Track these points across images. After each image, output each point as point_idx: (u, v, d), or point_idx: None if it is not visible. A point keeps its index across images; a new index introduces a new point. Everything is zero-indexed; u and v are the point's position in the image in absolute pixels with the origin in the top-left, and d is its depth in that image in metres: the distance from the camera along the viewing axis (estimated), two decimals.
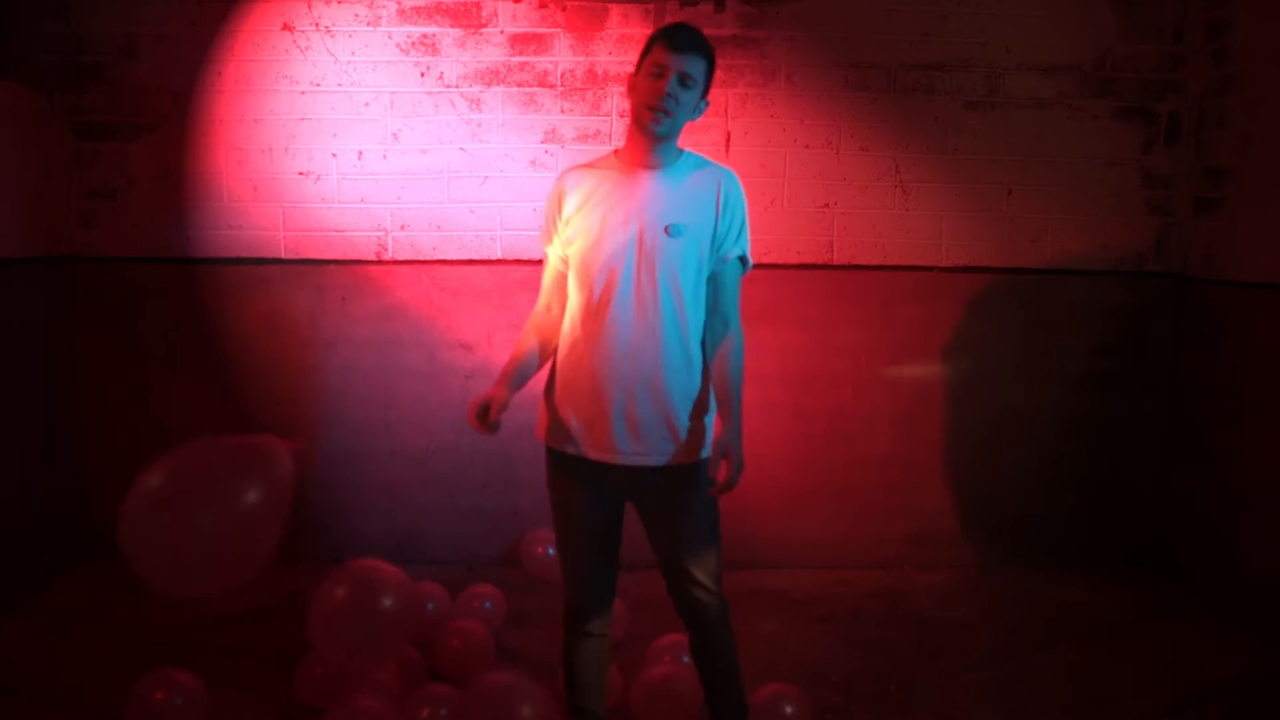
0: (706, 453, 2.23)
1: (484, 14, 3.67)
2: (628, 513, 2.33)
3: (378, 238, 3.75)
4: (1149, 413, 3.91)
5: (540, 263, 2.37)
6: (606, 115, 3.71)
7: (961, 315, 3.83)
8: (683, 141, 2.24)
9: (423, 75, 3.68)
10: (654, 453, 2.19)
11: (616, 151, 2.27)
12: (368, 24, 3.66)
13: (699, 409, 2.23)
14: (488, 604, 3.24)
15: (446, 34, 3.67)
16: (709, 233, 2.20)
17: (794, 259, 3.78)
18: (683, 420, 2.20)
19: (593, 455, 2.21)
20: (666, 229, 2.16)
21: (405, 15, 3.66)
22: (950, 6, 3.69)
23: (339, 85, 3.68)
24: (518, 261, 3.74)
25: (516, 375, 2.26)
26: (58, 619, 3.32)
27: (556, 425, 2.26)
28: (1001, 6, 3.70)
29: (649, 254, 2.15)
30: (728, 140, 3.72)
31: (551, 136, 3.71)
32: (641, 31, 3.62)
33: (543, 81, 3.69)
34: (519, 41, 3.68)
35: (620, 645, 3.02)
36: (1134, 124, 3.79)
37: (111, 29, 3.63)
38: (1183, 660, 3.14)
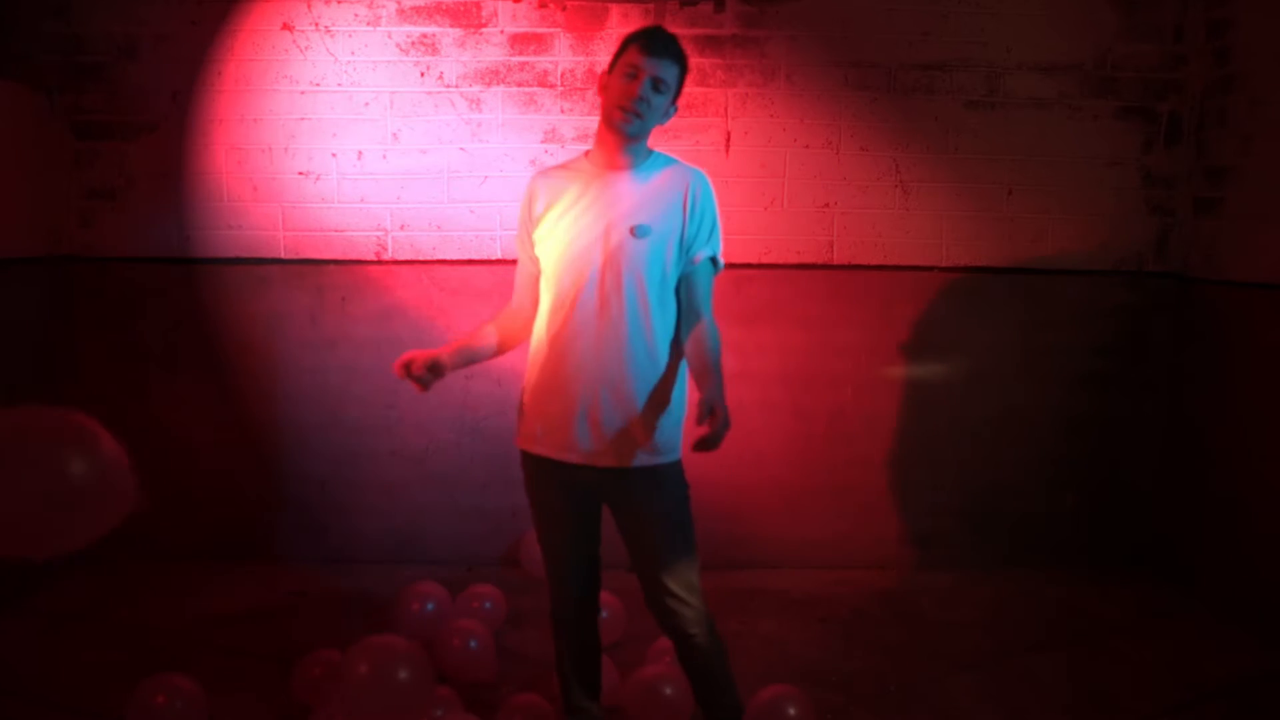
0: (673, 456, 2.22)
1: (484, 14, 3.67)
2: None
3: (377, 238, 3.75)
4: (1149, 413, 3.91)
5: None
6: None
7: (962, 315, 3.83)
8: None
9: (422, 75, 3.68)
10: (617, 454, 2.18)
11: (587, 153, 2.26)
12: (367, 24, 3.66)
13: (665, 411, 2.20)
14: (488, 604, 3.23)
15: (446, 34, 3.67)
16: (676, 234, 2.18)
17: (794, 259, 3.78)
18: (647, 421, 2.18)
19: (557, 455, 2.21)
20: (632, 230, 2.14)
21: (405, 15, 3.66)
22: (950, 6, 3.69)
23: (339, 85, 3.68)
24: (517, 262, 3.73)
25: (464, 350, 2.26)
26: (56, 620, 3.31)
27: (527, 427, 2.27)
28: (1001, 6, 3.70)
29: (614, 255, 2.15)
30: (728, 140, 3.72)
31: (551, 136, 3.71)
32: None
33: (543, 81, 3.69)
34: (519, 41, 3.68)
35: (619, 646, 3.02)
36: (1134, 124, 3.79)
37: (111, 29, 3.63)
38: (1183, 660, 3.14)
